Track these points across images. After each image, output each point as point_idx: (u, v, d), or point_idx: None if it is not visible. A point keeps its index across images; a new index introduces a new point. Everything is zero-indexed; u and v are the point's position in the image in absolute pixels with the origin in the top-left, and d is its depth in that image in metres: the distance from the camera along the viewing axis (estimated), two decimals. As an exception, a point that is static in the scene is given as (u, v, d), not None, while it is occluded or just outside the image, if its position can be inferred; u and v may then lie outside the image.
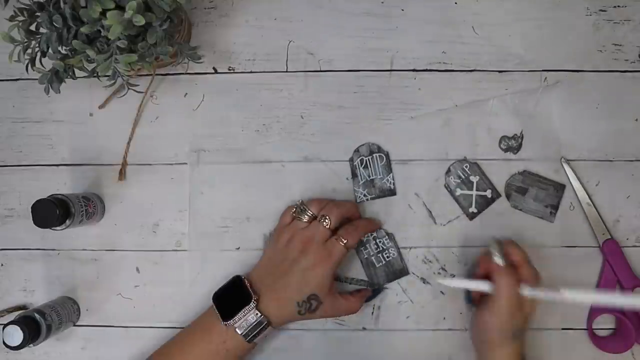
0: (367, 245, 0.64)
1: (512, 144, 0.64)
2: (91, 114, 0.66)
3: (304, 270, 0.57)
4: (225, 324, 0.56)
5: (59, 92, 0.53)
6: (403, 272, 0.64)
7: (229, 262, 0.65)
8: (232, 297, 0.58)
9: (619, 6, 0.64)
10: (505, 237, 0.62)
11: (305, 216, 0.59)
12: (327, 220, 0.58)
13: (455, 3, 0.65)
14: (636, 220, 0.64)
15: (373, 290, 0.64)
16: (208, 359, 0.56)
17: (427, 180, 0.64)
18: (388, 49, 0.65)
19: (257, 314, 0.56)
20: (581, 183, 0.63)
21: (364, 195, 0.64)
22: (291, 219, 0.61)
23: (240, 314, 0.55)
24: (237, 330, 0.56)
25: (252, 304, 0.56)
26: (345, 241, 0.58)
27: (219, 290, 0.59)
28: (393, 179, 0.64)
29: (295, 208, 0.61)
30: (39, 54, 0.52)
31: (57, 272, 0.66)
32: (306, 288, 0.57)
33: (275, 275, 0.58)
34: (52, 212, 0.55)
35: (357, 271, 0.64)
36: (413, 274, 0.64)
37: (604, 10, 0.64)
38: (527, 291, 0.55)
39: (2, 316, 0.65)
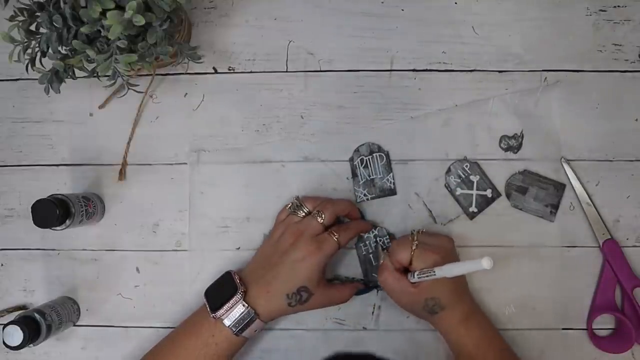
0: (367, 242, 0.64)
1: (512, 144, 0.64)
2: (91, 114, 0.66)
3: (294, 262, 0.57)
4: (213, 317, 0.56)
5: (59, 92, 0.53)
6: None
7: (229, 262, 0.65)
8: (221, 290, 0.58)
9: (619, 6, 0.64)
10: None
11: (301, 212, 0.60)
12: (321, 216, 0.58)
13: (455, 3, 0.65)
14: (636, 220, 0.64)
15: (366, 285, 0.64)
16: (198, 354, 0.56)
17: (427, 179, 0.64)
18: (388, 49, 0.65)
19: (244, 305, 0.56)
20: (581, 183, 0.63)
21: (364, 195, 0.64)
22: (287, 215, 0.61)
23: (227, 306, 0.55)
24: (224, 322, 0.56)
25: (238, 295, 0.56)
26: (337, 236, 0.58)
27: (210, 285, 0.60)
28: (393, 179, 0.64)
29: (291, 204, 0.62)
30: (39, 54, 0.52)
31: (57, 272, 0.66)
32: (296, 280, 0.57)
33: (265, 268, 0.58)
34: (52, 212, 0.55)
35: (353, 268, 0.64)
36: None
37: (604, 10, 0.64)
38: (412, 279, 0.56)
39: (2, 316, 0.65)
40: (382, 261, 0.59)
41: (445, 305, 0.56)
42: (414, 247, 0.57)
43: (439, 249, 0.57)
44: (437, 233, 0.62)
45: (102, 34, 0.49)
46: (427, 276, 0.54)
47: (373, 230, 0.64)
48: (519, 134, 0.64)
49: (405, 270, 0.58)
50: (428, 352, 0.63)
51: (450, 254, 0.58)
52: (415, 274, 0.56)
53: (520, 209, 0.64)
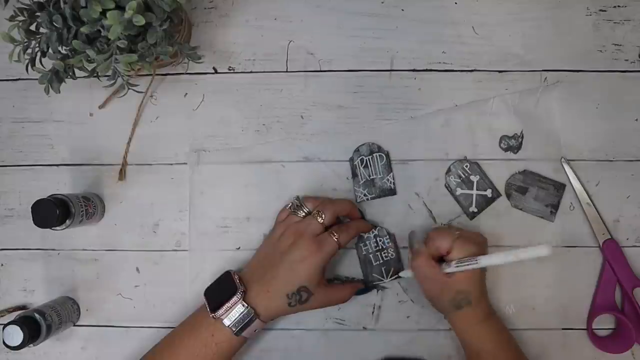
0: (367, 242, 0.64)
1: (513, 144, 0.64)
2: (91, 114, 0.66)
3: (294, 262, 0.57)
4: (213, 316, 0.56)
5: (59, 92, 0.53)
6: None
7: (229, 262, 0.65)
8: (221, 290, 0.58)
9: (619, 6, 0.64)
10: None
11: (301, 212, 0.60)
12: (321, 216, 0.58)
13: (455, 3, 0.65)
14: (636, 220, 0.64)
15: (365, 285, 0.64)
16: (198, 354, 0.56)
17: (427, 179, 0.64)
18: (388, 49, 0.65)
19: (244, 305, 0.56)
20: (581, 183, 0.63)
21: (364, 195, 0.64)
22: (287, 215, 0.61)
23: (227, 306, 0.55)
24: (224, 322, 0.56)
25: (238, 295, 0.56)
26: (337, 236, 0.58)
27: (210, 285, 0.60)
28: (393, 179, 0.64)
29: (292, 204, 0.62)
30: (39, 54, 0.52)
31: (57, 272, 0.66)
32: (296, 280, 0.57)
33: (265, 267, 0.58)
34: (52, 212, 0.55)
35: (353, 268, 0.65)
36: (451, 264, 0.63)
37: (604, 10, 0.64)
38: (447, 269, 0.56)
39: (2, 316, 0.65)
40: (416, 247, 0.59)
41: (472, 300, 0.56)
42: (456, 236, 0.56)
43: (479, 242, 0.57)
44: (467, 230, 0.62)
45: (102, 34, 0.49)
46: (468, 265, 0.54)
47: (373, 230, 0.64)
48: (519, 134, 0.64)
49: (439, 261, 0.58)
50: (428, 352, 0.63)
51: (487, 251, 0.58)
52: (453, 263, 0.55)
53: (520, 209, 0.64)
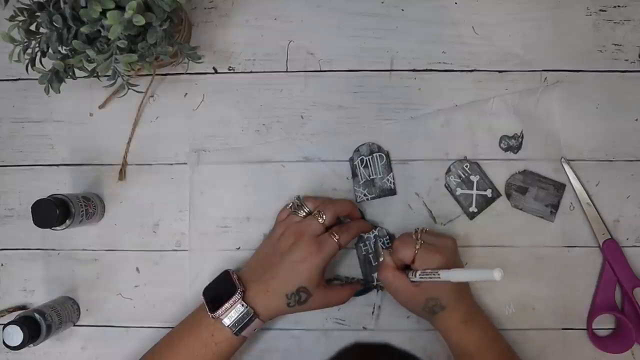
0: (367, 243, 0.64)
1: (513, 144, 0.64)
2: (91, 114, 0.66)
3: (294, 263, 0.57)
4: (213, 316, 0.56)
5: (59, 92, 0.53)
6: None
7: (229, 262, 0.65)
8: (220, 290, 0.58)
9: (619, 6, 0.64)
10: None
11: (302, 212, 0.60)
12: (322, 216, 0.58)
13: (455, 3, 0.65)
14: (636, 220, 0.64)
15: (365, 286, 0.64)
16: (198, 353, 0.56)
17: (427, 179, 0.64)
18: (388, 49, 0.65)
19: (243, 305, 0.56)
20: (581, 183, 0.63)
21: (364, 195, 0.64)
22: (287, 215, 0.61)
23: (226, 305, 0.55)
24: (224, 322, 0.56)
25: (237, 295, 0.56)
26: (337, 237, 0.58)
27: (208, 284, 0.60)
28: (393, 179, 0.64)
29: (292, 204, 0.62)
30: (39, 54, 0.52)
31: (57, 272, 0.66)
32: (296, 280, 0.57)
33: (265, 267, 0.58)
34: (52, 212, 0.55)
35: (353, 268, 0.65)
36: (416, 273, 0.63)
37: (604, 10, 0.64)
38: (413, 278, 0.56)
39: (2, 316, 0.65)
40: (381, 259, 0.59)
41: (446, 305, 0.56)
42: (417, 246, 0.56)
43: (443, 250, 0.57)
44: (440, 233, 0.62)
45: (102, 34, 0.49)
46: (430, 278, 0.54)
47: (373, 230, 0.64)
48: (519, 134, 0.64)
49: (406, 268, 0.58)
50: (428, 352, 0.63)
51: (454, 256, 0.58)
52: (417, 273, 0.56)
53: (520, 209, 0.64)
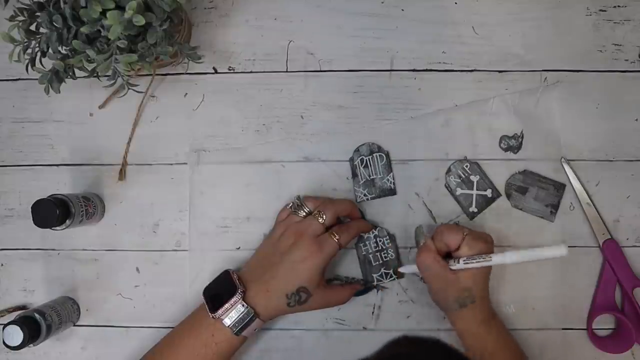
0: (367, 243, 0.64)
1: (513, 144, 0.64)
2: (91, 114, 0.66)
3: (294, 262, 0.57)
4: (213, 316, 0.56)
5: (59, 92, 0.53)
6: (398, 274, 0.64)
7: (229, 262, 0.65)
8: (220, 290, 0.58)
9: (619, 6, 0.64)
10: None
11: (302, 212, 0.60)
12: (322, 216, 0.58)
13: (455, 3, 0.65)
14: (636, 220, 0.64)
15: (365, 286, 0.64)
16: (198, 353, 0.56)
17: (427, 179, 0.64)
18: (388, 49, 0.65)
19: (243, 305, 0.56)
20: (581, 183, 0.63)
21: (364, 195, 0.64)
22: (287, 215, 0.61)
23: (226, 306, 0.55)
24: (224, 322, 0.56)
25: (238, 296, 0.56)
26: (337, 237, 0.58)
27: (209, 284, 0.60)
28: (393, 179, 0.64)
29: (292, 204, 0.62)
30: (39, 54, 0.52)
31: (57, 272, 0.66)
32: (296, 280, 0.57)
33: (265, 267, 0.58)
34: (52, 212, 0.55)
35: (353, 268, 0.65)
36: (415, 275, 0.64)
37: (604, 10, 0.64)
38: (454, 266, 0.56)
39: (2, 316, 0.65)
40: (423, 241, 0.58)
41: (476, 299, 0.56)
42: (466, 232, 0.56)
43: (488, 240, 0.57)
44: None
45: (102, 34, 0.49)
46: (478, 262, 0.54)
47: (373, 230, 0.64)
48: (519, 134, 0.64)
49: (446, 257, 0.58)
50: (428, 352, 0.63)
51: (493, 248, 0.58)
52: (462, 260, 0.55)
53: (520, 209, 0.64)
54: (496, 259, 0.53)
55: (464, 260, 0.55)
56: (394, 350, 0.43)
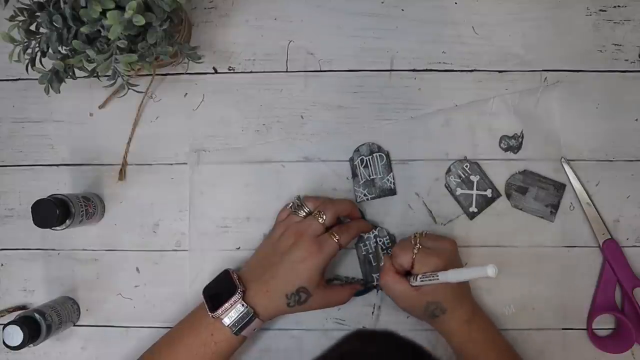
0: (367, 243, 0.64)
1: (513, 144, 0.64)
2: (91, 114, 0.66)
3: (294, 262, 0.57)
4: (212, 316, 0.56)
5: (59, 92, 0.53)
6: None
7: (229, 262, 0.65)
8: (220, 289, 0.58)
9: (619, 6, 0.64)
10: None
11: (302, 212, 0.60)
12: (322, 217, 0.58)
13: (455, 3, 0.65)
14: (636, 220, 0.64)
15: (365, 286, 0.64)
16: (197, 353, 0.56)
17: (427, 179, 0.64)
18: (388, 49, 0.65)
19: (243, 304, 0.56)
20: (581, 183, 0.63)
21: (364, 195, 0.64)
22: (287, 215, 0.61)
23: (226, 305, 0.55)
24: (224, 322, 0.56)
25: (238, 295, 0.56)
26: (337, 237, 0.58)
27: (208, 284, 0.60)
28: (393, 179, 0.64)
29: (292, 204, 0.62)
30: (39, 54, 0.52)
31: (57, 272, 0.66)
32: (296, 280, 0.57)
33: (265, 267, 0.58)
34: (52, 212, 0.55)
35: (353, 268, 0.65)
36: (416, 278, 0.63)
37: (604, 10, 0.64)
38: (414, 282, 0.56)
39: (2, 316, 0.65)
40: (382, 264, 0.59)
41: (447, 308, 0.56)
42: (415, 251, 0.57)
43: (442, 253, 0.57)
44: (440, 235, 0.62)
45: (102, 34, 0.49)
46: (430, 280, 0.54)
47: (373, 230, 0.64)
48: (519, 134, 0.64)
49: (407, 273, 0.58)
50: (428, 352, 0.63)
51: (453, 258, 0.58)
52: (418, 277, 0.56)
53: (520, 209, 0.64)
54: (442, 277, 0.53)
55: (420, 278, 0.56)
56: (347, 347, 0.43)
